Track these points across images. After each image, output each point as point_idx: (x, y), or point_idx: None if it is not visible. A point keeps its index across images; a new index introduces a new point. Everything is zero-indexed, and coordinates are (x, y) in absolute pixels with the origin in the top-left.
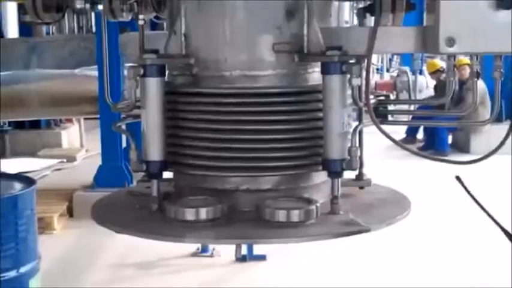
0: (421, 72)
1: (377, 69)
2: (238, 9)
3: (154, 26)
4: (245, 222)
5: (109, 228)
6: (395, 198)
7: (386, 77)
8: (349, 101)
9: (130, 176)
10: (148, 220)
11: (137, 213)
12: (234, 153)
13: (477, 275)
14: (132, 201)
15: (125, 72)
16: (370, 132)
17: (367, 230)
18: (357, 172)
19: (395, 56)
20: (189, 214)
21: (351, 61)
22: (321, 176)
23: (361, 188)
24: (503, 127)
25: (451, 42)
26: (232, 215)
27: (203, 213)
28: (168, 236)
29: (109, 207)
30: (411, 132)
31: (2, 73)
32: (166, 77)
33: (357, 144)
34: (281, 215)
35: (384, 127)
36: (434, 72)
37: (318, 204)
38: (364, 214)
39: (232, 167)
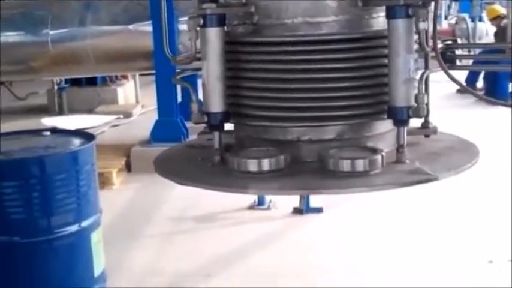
0: (480, 19)
1: None
2: None
3: None
4: (308, 173)
5: (173, 180)
6: (463, 146)
7: (445, 24)
8: (416, 46)
9: (186, 131)
10: (212, 172)
11: (200, 166)
12: (296, 103)
13: None
14: (193, 154)
15: (179, 26)
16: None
17: (435, 179)
18: (422, 120)
19: (453, 3)
20: (252, 165)
21: (418, 4)
22: (386, 125)
23: (427, 136)
24: None
25: None
26: (295, 166)
27: (266, 164)
28: (232, 188)
29: (171, 160)
30: (471, 80)
31: (57, 31)
32: (226, 27)
33: (424, 91)
34: (345, 165)
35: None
36: (495, 18)
37: (383, 154)
38: (431, 163)
39: (294, 117)
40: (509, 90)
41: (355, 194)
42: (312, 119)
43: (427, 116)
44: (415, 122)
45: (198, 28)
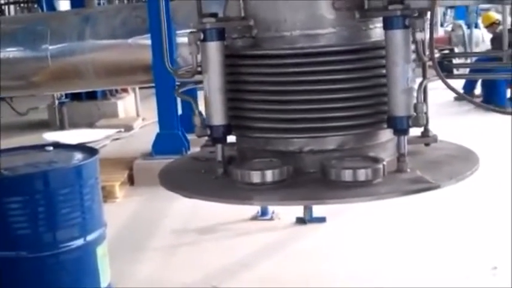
0: (476, 26)
1: None
2: None
3: None
4: (311, 184)
5: (178, 193)
6: (463, 153)
7: (441, 31)
8: (413, 55)
9: (187, 143)
10: (216, 184)
11: (203, 178)
12: (297, 114)
13: None
14: (196, 166)
15: (177, 39)
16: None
17: (437, 187)
18: (422, 129)
19: (449, 10)
20: (255, 177)
21: (414, 15)
22: (386, 134)
23: (427, 144)
24: None
25: None
26: (298, 176)
27: (269, 175)
28: (236, 199)
29: (175, 173)
30: (469, 87)
31: (57, 46)
32: (226, 41)
33: (423, 100)
34: (347, 175)
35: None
36: (490, 25)
37: (385, 163)
38: (432, 171)
39: (295, 128)
40: (507, 96)
41: (358, 203)
42: (313, 130)
43: (426, 125)
44: (415, 131)
45: (199, 42)
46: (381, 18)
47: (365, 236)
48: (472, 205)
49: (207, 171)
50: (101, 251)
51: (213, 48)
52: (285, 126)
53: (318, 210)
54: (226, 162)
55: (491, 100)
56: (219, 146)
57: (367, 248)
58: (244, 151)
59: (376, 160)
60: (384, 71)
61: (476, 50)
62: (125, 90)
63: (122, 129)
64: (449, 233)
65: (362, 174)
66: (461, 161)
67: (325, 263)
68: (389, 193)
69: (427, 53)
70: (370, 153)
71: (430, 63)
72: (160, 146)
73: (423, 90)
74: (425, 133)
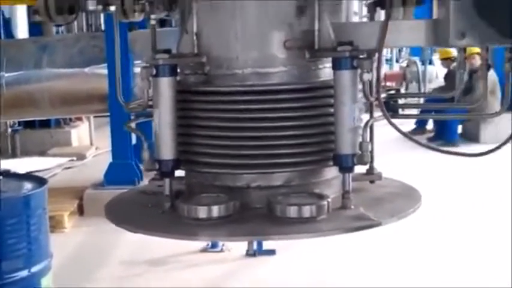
0: (430, 62)
1: (386, 59)
2: (249, 7)
3: (162, 22)
4: (257, 219)
5: (123, 227)
6: (406, 191)
7: (396, 67)
8: (360, 95)
9: (140, 174)
10: (162, 219)
11: (150, 212)
12: (245, 150)
13: (477, 272)
14: (144, 200)
15: (135, 69)
16: (379, 124)
17: (378, 224)
18: (367, 166)
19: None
20: (202, 212)
21: (362, 56)
22: (332, 172)
23: (372, 182)
24: None
25: (462, 35)
26: (244, 212)
27: (215, 210)
28: (182, 235)
29: (122, 206)
30: (421, 122)
31: (12, 74)
32: (178, 76)
33: (368, 139)
34: (292, 211)
35: (394, 120)
36: (445, 59)
37: (329, 200)
38: (375, 208)
39: (243, 164)
40: (458, 131)
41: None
42: (260, 166)
43: (371, 162)
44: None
45: (151, 77)
46: (330, 58)
47: (314, 268)
48: (414, 243)
49: (154, 205)
50: (46, 282)
51: (165, 84)
52: (233, 161)
53: (268, 243)
54: (174, 196)
55: (443, 135)
56: (167, 180)
57: (316, 280)
58: (192, 186)
59: (321, 197)
60: (331, 110)
61: (430, 86)
62: (79, 119)
63: (74, 158)
64: (391, 267)
65: (307, 211)
66: (403, 199)
67: None
68: (332, 230)
69: (374, 93)
70: (315, 190)
71: (377, 103)
72: (113, 175)
73: (369, 129)
74: (371, 171)
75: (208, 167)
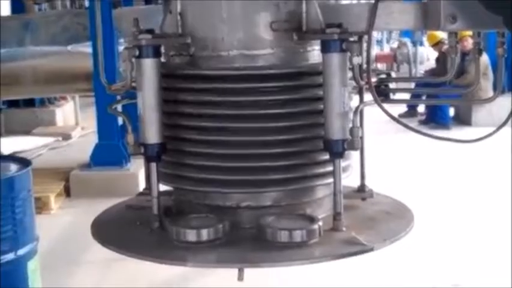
0: (421, 44)
1: (377, 41)
2: None
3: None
4: (247, 243)
5: (112, 250)
6: (398, 210)
7: (386, 48)
8: (350, 79)
9: (127, 155)
10: (150, 241)
11: (138, 232)
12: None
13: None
14: (132, 216)
15: (120, 48)
16: (370, 108)
17: (370, 250)
18: (359, 183)
19: None
20: (191, 236)
21: (351, 39)
22: (322, 191)
23: (364, 199)
24: (505, 98)
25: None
26: (234, 232)
27: (204, 234)
28: (170, 260)
29: (109, 224)
30: (412, 105)
31: None
32: (162, 58)
33: (358, 124)
34: (283, 236)
35: (385, 104)
36: (436, 44)
37: (320, 223)
38: (366, 231)
39: (233, 180)
40: (450, 114)
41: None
42: (250, 185)
43: (363, 179)
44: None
45: (134, 59)
46: (319, 41)
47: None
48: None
49: (142, 223)
50: (32, 265)
51: (149, 66)
52: (222, 177)
53: None
54: (163, 213)
55: (435, 118)
56: (155, 199)
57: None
58: (181, 202)
59: (312, 220)
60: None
61: (421, 67)
62: (64, 98)
63: (60, 138)
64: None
65: (298, 236)
66: (396, 219)
67: None
68: (323, 257)
69: (364, 77)
70: (307, 211)
71: (367, 87)
72: (99, 157)
73: (359, 114)
74: (362, 188)
75: (198, 185)
